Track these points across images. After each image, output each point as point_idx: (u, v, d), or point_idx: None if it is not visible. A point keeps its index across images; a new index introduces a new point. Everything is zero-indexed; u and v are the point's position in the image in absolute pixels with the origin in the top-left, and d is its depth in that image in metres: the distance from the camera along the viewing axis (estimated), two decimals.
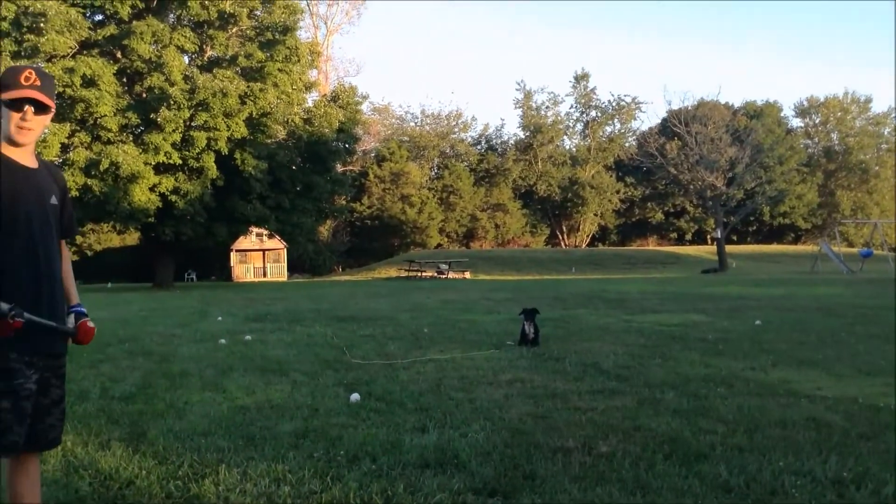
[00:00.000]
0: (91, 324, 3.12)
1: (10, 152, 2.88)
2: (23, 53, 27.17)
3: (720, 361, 8.02)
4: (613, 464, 4.28)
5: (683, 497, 3.76)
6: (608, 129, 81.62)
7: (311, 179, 33.54)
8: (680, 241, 76.44)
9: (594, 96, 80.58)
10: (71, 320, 3.09)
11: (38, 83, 2.86)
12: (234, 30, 32.04)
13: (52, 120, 2.90)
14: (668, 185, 66.97)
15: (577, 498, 3.75)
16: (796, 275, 35.16)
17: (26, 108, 2.84)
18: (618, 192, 75.20)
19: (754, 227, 75.18)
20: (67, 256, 3.25)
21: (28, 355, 2.82)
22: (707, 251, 57.13)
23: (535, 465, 4.29)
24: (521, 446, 4.68)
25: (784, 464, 4.23)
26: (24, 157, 2.92)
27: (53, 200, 3.00)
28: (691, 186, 49.81)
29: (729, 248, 50.64)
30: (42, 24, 26.84)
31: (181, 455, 4.58)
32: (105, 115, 27.70)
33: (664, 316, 13.48)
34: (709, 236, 70.75)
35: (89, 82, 27.18)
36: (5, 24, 27.32)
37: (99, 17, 30.69)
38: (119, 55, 29.82)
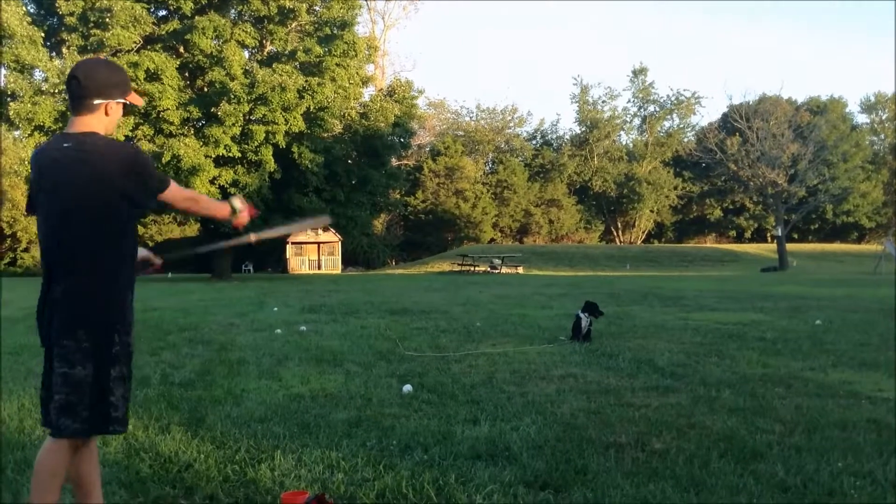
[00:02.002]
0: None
1: None
2: (89, 48, 27.96)
3: (779, 361, 7.86)
4: (667, 461, 4.25)
5: (738, 495, 3.71)
6: (666, 124, 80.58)
7: (367, 173, 33.82)
8: (739, 238, 74.97)
9: (652, 91, 79.62)
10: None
11: None
12: (293, 25, 32.42)
13: None
14: (728, 182, 65.74)
15: (630, 494, 3.73)
16: (859, 275, 34.23)
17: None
18: (675, 188, 74.11)
19: (816, 226, 73.30)
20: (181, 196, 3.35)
21: None
22: (767, 249, 55.91)
23: (587, 459, 4.27)
24: (573, 441, 4.67)
25: (843, 465, 4.14)
26: None
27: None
28: (752, 183, 48.90)
29: (790, 246, 49.58)
30: (108, 20, 27.59)
31: (238, 440, 4.68)
32: (168, 109, 28.34)
33: (721, 314, 13.26)
34: (769, 234, 69.16)
35: (153, 76, 27.85)
36: (72, 20, 28.16)
37: (162, 13, 31.45)
38: (181, 50, 30.44)
